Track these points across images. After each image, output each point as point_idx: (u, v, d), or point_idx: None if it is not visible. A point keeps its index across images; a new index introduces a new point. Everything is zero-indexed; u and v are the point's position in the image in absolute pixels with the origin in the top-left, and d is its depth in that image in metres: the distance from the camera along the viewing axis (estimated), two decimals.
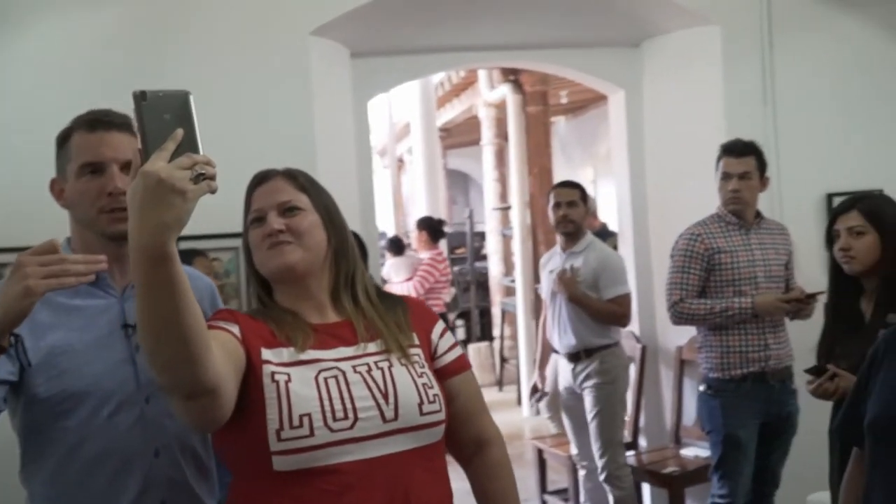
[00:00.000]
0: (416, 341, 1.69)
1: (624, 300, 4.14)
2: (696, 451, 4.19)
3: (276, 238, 1.62)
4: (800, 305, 3.38)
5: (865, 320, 2.63)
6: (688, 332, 4.14)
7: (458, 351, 1.77)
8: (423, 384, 1.60)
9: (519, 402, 7.61)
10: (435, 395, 1.61)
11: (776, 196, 4.03)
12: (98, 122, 1.75)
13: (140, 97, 1.24)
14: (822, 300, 3.05)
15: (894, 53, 4.29)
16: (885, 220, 2.61)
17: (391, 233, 9.68)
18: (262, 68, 3.67)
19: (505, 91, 7.57)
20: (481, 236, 9.93)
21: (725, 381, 3.43)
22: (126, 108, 1.83)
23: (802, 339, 3.50)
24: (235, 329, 1.55)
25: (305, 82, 3.73)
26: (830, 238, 2.70)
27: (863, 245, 2.60)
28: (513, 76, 7.48)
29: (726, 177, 3.49)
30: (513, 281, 7.90)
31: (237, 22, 3.64)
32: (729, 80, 4.16)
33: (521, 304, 7.28)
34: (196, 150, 1.25)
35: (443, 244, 7.65)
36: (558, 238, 4.31)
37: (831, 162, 4.23)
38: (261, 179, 1.71)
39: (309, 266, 1.64)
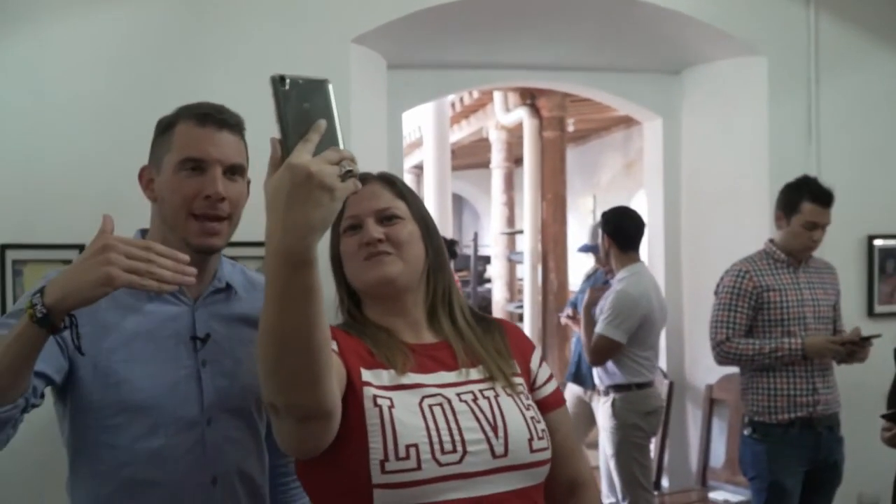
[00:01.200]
0: (518, 369, 1.53)
1: (597, 341, 3.76)
2: (726, 495, 4.02)
3: (375, 248, 1.46)
4: (853, 349, 3.23)
5: None
6: (719, 370, 3.98)
7: (555, 383, 1.61)
8: (532, 417, 1.45)
9: None
10: (543, 431, 1.45)
11: None
12: (209, 116, 1.58)
13: (279, 82, 1.10)
14: (878, 343, 2.92)
15: None
16: None
17: None
18: (303, 72, 3.51)
19: (521, 114, 7.45)
20: (485, 260, 9.77)
21: (771, 426, 3.25)
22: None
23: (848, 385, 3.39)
24: (334, 345, 1.38)
25: (345, 89, 3.58)
26: None
27: None
28: (530, 100, 7.37)
29: (812, 226, 3.33)
30: (519, 307, 7.73)
31: (278, 26, 3.48)
32: (774, 114, 4.03)
33: (528, 331, 7.12)
34: (337, 145, 1.10)
35: (453, 265, 7.50)
36: None
37: (873, 203, 4.11)
38: None
39: (408, 280, 1.49)
